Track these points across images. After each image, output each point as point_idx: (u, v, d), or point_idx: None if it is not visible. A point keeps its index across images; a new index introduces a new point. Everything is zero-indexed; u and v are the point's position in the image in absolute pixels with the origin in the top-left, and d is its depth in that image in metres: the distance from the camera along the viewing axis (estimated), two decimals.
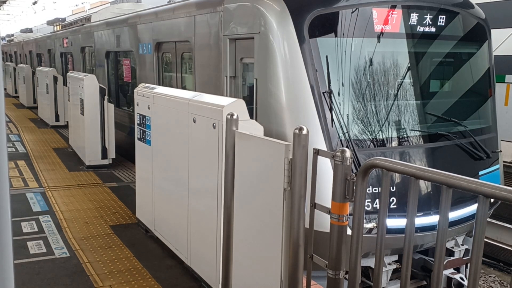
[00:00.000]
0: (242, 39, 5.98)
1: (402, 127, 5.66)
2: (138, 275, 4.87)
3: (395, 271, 5.34)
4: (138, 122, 5.99)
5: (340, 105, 5.30)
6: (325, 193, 3.81)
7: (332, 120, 5.21)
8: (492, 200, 2.33)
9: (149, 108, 5.58)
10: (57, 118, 14.53)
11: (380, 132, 5.49)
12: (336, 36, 5.35)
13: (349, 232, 3.00)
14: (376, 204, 5.07)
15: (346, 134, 5.23)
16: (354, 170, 4.86)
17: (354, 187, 2.91)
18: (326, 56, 5.28)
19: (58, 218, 6.54)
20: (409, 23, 5.68)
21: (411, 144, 5.65)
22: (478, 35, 6.47)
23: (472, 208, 5.66)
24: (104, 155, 9.42)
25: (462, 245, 5.83)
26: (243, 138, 3.66)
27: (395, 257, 5.40)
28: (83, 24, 14.37)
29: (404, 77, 5.77)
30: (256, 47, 5.59)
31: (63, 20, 24.37)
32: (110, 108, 9.38)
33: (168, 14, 8.06)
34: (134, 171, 8.70)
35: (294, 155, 3.11)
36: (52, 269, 4.97)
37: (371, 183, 5.04)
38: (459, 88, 6.43)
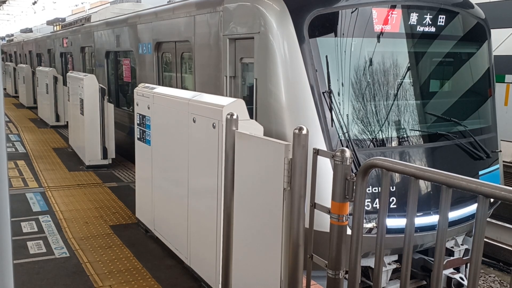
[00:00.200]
0: (242, 39, 5.98)
1: (402, 127, 5.66)
2: (138, 275, 4.87)
3: (395, 271, 5.34)
4: (138, 122, 5.99)
5: (340, 105, 5.30)
6: (325, 193, 3.81)
7: (332, 120, 5.21)
8: (492, 200, 2.33)
9: (149, 108, 5.58)
10: (57, 118, 14.54)
11: (380, 132, 5.49)
12: (336, 36, 5.35)
13: (349, 232, 3.00)
14: (376, 204, 5.07)
15: (346, 134, 5.24)
16: (354, 170, 4.87)
17: (354, 187, 2.91)
18: (326, 56, 5.28)
19: (58, 218, 6.54)
20: (409, 23, 5.68)
21: (411, 144, 5.65)
22: (478, 35, 6.48)
23: (472, 208, 5.66)
24: (104, 155, 9.42)
25: (462, 245, 5.83)
26: (243, 138, 3.66)
27: (395, 257, 5.40)
28: (83, 24, 14.36)
29: (404, 77, 5.77)
30: (256, 47, 5.59)
31: (63, 20, 24.37)
32: (110, 108, 9.39)
33: (168, 14, 8.06)
34: (134, 171, 8.71)
35: (294, 155, 3.11)
36: (52, 269, 4.97)
37: (371, 183, 5.04)
38: (459, 88, 6.43)
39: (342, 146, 5.12)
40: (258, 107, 5.63)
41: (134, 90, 6.05)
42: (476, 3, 6.58)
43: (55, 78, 14.08)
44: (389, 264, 5.30)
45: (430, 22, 5.81)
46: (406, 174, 2.66)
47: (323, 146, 5.07)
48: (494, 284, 8.64)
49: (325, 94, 5.22)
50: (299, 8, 5.33)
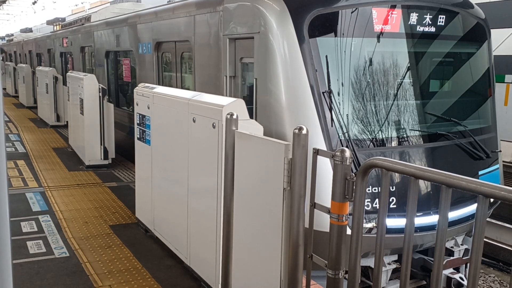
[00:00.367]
0: (242, 38, 5.98)
1: (402, 127, 5.66)
2: (137, 275, 4.87)
3: (394, 270, 5.34)
4: (138, 121, 5.99)
5: (339, 105, 5.30)
6: (325, 193, 3.81)
7: (332, 120, 5.21)
8: (491, 200, 2.33)
9: (148, 108, 5.58)
10: (57, 118, 14.54)
11: (379, 132, 5.49)
12: (336, 36, 5.35)
13: (348, 232, 3.00)
14: (375, 204, 5.07)
15: (346, 134, 5.24)
16: (354, 170, 4.86)
17: (354, 187, 2.91)
18: (326, 56, 5.28)
19: (58, 218, 6.54)
20: (409, 23, 5.68)
21: (411, 144, 5.65)
22: (478, 35, 6.48)
23: (471, 208, 5.66)
24: (104, 155, 9.42)
25: (461, 245, 5.83)
26: (242, 138, 3.66)
27: (395, 257, 5.40)
28: (82, 24, 14.36)
29: (404, 77, 5.77)
30: (256, 47, 5.59)
31: (63, 19, 24.38)
32: (109, 108, 9.39)
33: (168, 13, 8.06)
34: (133, 171, 8.70)
35: (293, 155, 3.11)
36: (51, 269, 4.97)
37: (371, 183, 5.04)
38: (458, 88, 6.43)
39: (342, 146, 5.12)
40: (258, 107, 5.63)
41: (134, 90, 6.05)
42: (476, 3, 6.58)
43: (55, 78, 14.08)
44: (389, 264, 5.30)
45: (430, 22, 5.81)
46: (406, 174, 2.66)
47: (323, 146, 5.07)
48: (494, 284, 8.64)
49: (325, 94, 5.22)
50: (299, 8, 5.33)
